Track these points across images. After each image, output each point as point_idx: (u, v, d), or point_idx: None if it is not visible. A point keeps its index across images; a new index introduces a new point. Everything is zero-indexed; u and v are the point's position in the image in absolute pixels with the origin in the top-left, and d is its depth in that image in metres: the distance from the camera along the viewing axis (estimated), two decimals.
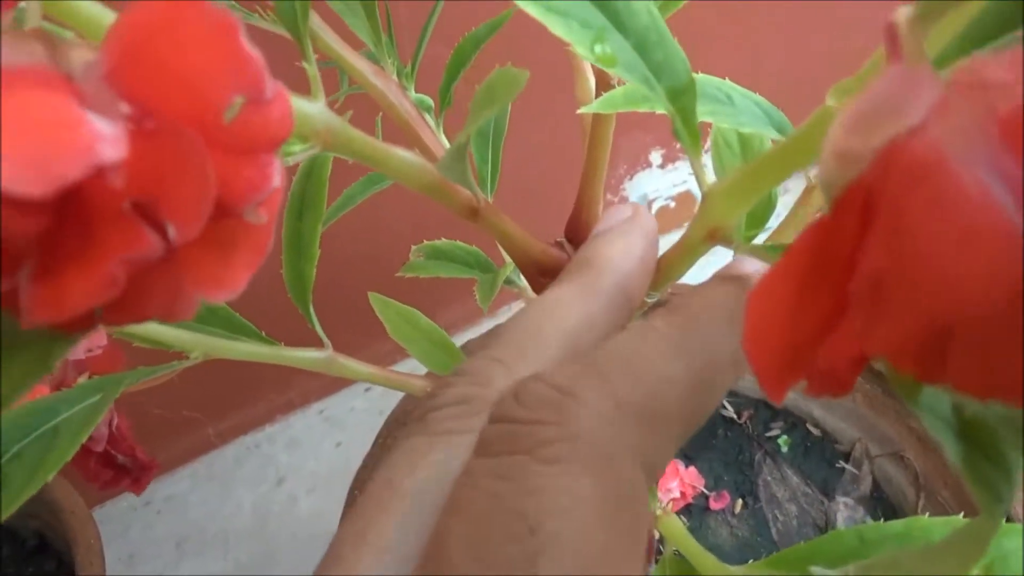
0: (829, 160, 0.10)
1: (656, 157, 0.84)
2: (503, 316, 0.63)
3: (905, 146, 0.09)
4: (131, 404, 0.39)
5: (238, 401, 0.78)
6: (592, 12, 0.17)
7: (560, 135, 0.68)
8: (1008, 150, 0.08)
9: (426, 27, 0.42)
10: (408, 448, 0.14)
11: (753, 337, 0.10)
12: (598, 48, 0.16)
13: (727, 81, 0.29)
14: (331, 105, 0.23)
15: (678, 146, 0.83)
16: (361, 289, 0.45)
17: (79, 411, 0.23)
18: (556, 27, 0.15)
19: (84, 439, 0.21)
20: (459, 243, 0.46)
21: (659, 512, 0.32)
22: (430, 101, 0.42)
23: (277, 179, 0.11)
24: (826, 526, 0.50)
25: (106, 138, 0.09)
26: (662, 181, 0.87)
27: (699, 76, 0.28)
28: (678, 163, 0.86)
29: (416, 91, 0.42)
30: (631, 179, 0.85)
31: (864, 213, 0.09)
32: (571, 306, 0.18)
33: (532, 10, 0.15)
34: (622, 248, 0.20)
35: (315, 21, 0.30)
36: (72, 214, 0.10)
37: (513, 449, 0.13)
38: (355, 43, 0.34)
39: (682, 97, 0.19)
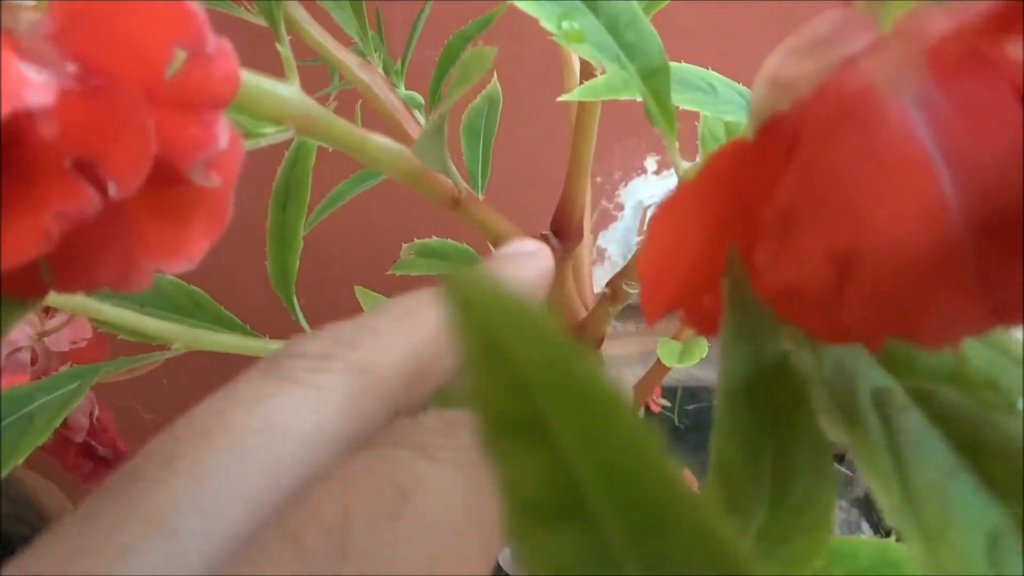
0: (762, 87, 0.10)
1: (651, 163, 0.84)
2: None
3: (836, 76, 0.09)
4: (123, 408, 0.39)
5: None
6: None
7: (549, 132, 0.68)
8: (935, 83, 0.08)
9: (415, 25, 0.43)
10: (249, 385, 0.13)
11: (650, 256, 0.10)
12: (565, 24, 0.16)
13: (710, 71, 0.29)
14: (321, 100, 0.23)
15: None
16: (349, 288, 0.45)
17: (55, 398, 0.23)
18: (523, 3, 0.15)
19: (57, 424, 0.21)
20: (449, 240, 0.46)
21: None
22: (420, 98, 0.42)
23: (224, 139, 0.11)
24: None
25: (35, 84, 0.09)
26: (657, 187, 0.86)
27: (682, 65, 0.28)
28: (673, 169, 0.85)
29: (407, 89, 0.42)
30: (626, 185, 0.85)
31: (788, 142, 0.09)
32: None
33: None
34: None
35: (302, 15, 0.30)
36: (11, 169, 0.10)
37: (398, 443, 0.12)
38: (345, 40, 0.34)
39: (655, 77, 0.19)
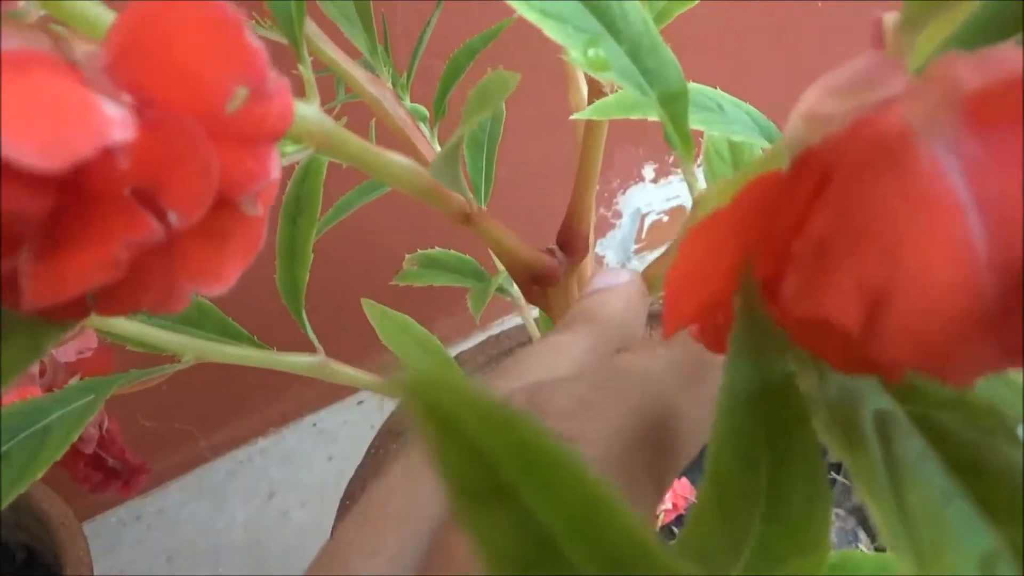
0: (798, 120, 0.10)
1: (649, 171, 0.85)
2: (496, 329, 0.64)
3: (872, 117, 0.09)
4: (122, 415, 0.38)
5: (230, 413, 0.77)
6: (587, 18, 0.17)
7: (553, 144, 0.69)
8: (969, 131, 0.09)
9: (421, 37, 0.43)
10: (408, 462, 0.15)
11: (678, 275, 0.11)
12: (591, 52, 0.16)
13: (718, 91, 0.29)
14: (327, 112, 0.24)
15: (671, 160, 0.84)
16: (356, 301, 0.45)
17: (70, 411, 0.23)
18: (552, 31, 0.16)
19: (74, 438, 0.21)
20: (453, 252, 0.46)
21: None
22: (425, 111, 0.42)
23: (276, 171, 0.11)
24: None
25: (116, 121, 0.09)
26: (655, 195, 0.87)
27: (691, 85, 0.28)
28: (671, 177, 0.86)
29: (412, 101, 0.42)
30: (624, 193, 0.85)
31: (820, 176, 0.09)
32: (575, 345, 0.19)
33: (529, 14, 0.15)
34: (621, 304, 0.21)
35: (312, 29, 0.31)
36: (76, 197, 0.10)
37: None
38: (353, 52, 0.34)
39: (674, 102, 0.19)
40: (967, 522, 0.11)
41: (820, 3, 0.76)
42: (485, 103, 0.18)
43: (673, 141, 0.20)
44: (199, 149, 0.10)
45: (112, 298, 0.12)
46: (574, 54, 0.16)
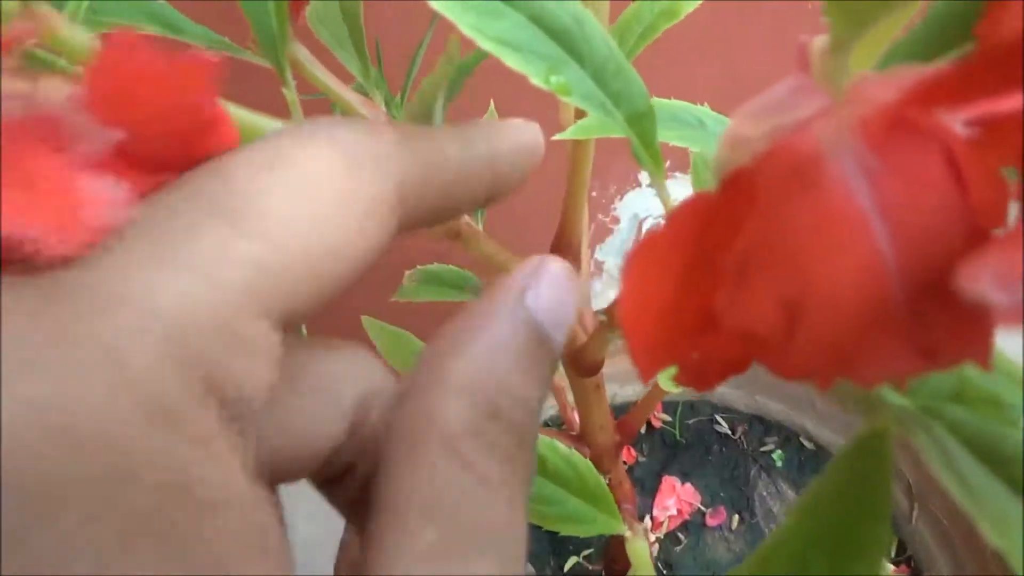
0: (723, 144, 0.11)
1: (645, 177, 0.85)
2: None
3: (788, 138, 0.10)
4: None
5: None
6: (548, 44, 0.18)
7: (545, 159, 0.70)
8: (873, 147, 0.09)
9: (415, 59, 0.44)
10: None
11: (627, 305, 0.11)
12: (553, 78, 0.17)
13: (702, 107, 0.30)
14: None
15: (667, 165, 0.84)
16: (354, 315, 0.46)
17: None
18: (511, 60, 0.17)
19: None
20: (452, 267, 0.47)
21: (627, 535, 0.33)
22: None
23: None
24: None
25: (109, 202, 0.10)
26: (652, 200, 0.88)
27: (672, 102, 0.29)
28: (668, 183, 0.87)
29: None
30: (621, 199, 0.86)
31: (746, 196, 0.10)
32: None
33: (486, 44, 0.16)
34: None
35: (305, 56, 0.32)
36: None
37: None
38: (346, 77, 0.35)
39: (641, 122, 0.20)
40: (1010, 499, 0.12)
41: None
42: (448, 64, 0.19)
43: (642, 159, 0.21)
44: None
45: None
46: (536, 80, 0.17)
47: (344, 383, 0.15)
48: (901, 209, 0.09)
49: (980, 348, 0.09)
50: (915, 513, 0.49)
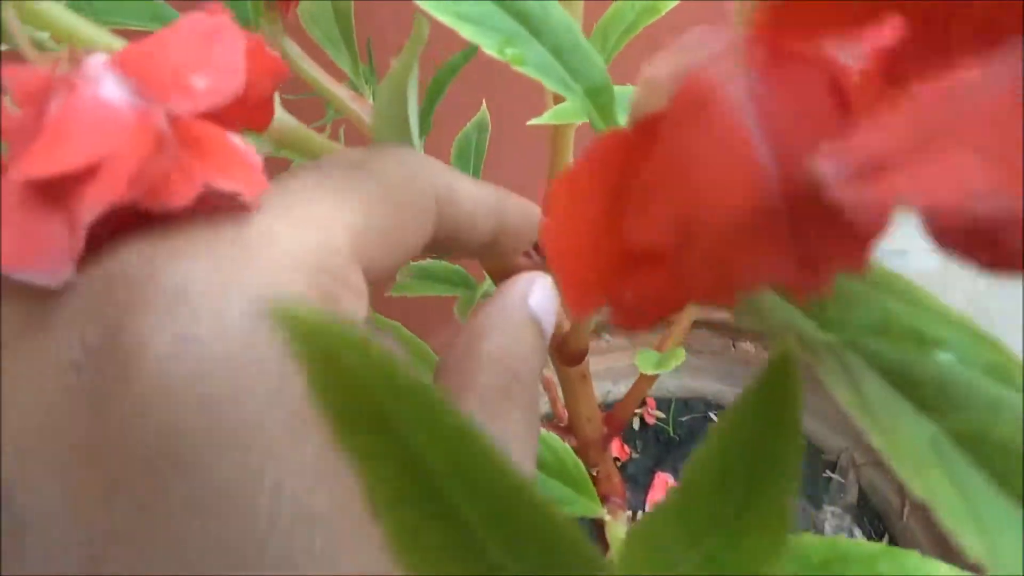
0: (637, 88, 0.12)
1: None
2: None
3: (692, 74, 0.11)
4: None
5: None
6: (506, 19, 0.19)
7: (535, 154, 0.71)
8: (762, 75, 0.10)
9: None
10: None
11: (554, 243, 0.12)
12: (509, 51, 0.18)
13: None
14: (319, 130, 0.26)
15: None
16: None
17: None
18: (468, 32, 0.17)
19: None
20: (444, 262, 0.48)
21: (607, 519, 0.33)
22: None
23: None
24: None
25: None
26: None
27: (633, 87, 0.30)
28: None
29: None
30: None
31: (655, 130, 0.11)
32: None
33: (444, 17, 0.17)
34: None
35: (295, 51, 0.33)
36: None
37: None
38: (338, 74, 0.37)
39: (599, 95, 0.21)
40: (909, 413, 0.13)
41: None
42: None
43: (601, 131, 0.21)
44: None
45: None
46: (490, 50, 0.18)
47: None
48: (782, 127, 0.10)
49: (856, 257, 0.10)
50: (906, 510, 0.49)
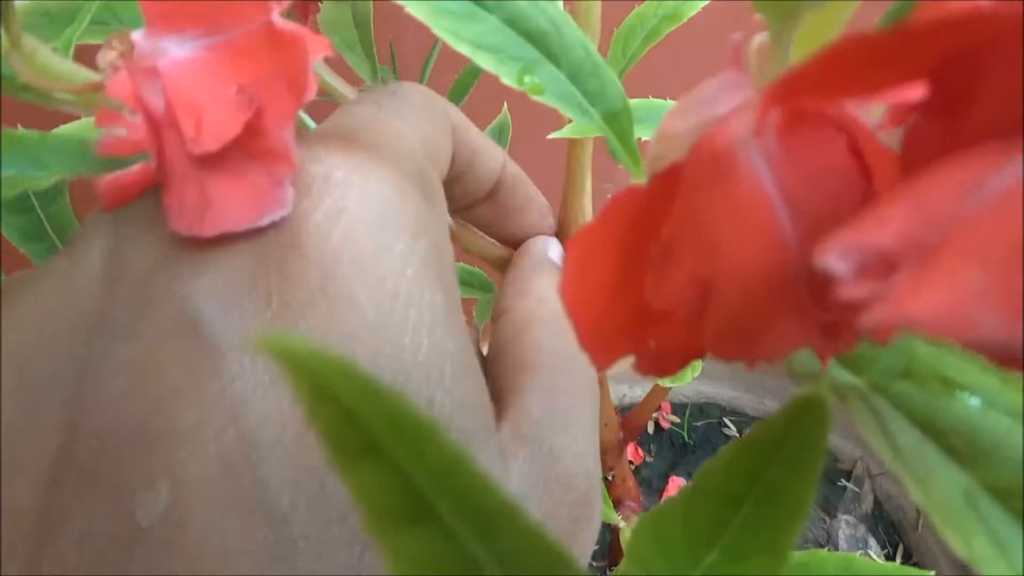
0: (655, 139, 0.12)
1: None
2: None
3: (709, 132, 0.11)
4: None
5: None
6: (523, 46, 0.19)
7: (555, 155, 0.71)
8: (779, 137, 0.10)
9: (427, 61, 0.45)
10: None
11: (569, 288, 0.12)
12: (527, 79, 0.18)
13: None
14: None
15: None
16: None
17: None
18: (485, 62, 0.17)
19: None
20: (462, 264, 0.48)
21: (622, 525, 0.33)
22: None
23: None
24: (827, 544, 0.50)
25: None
26: None
27: (651, 101, 0.30)
28: None
29: None
30: None
31: (673, 188, 0.11)
32: None
33: (460, 47, 0.17)
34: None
35: None
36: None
37: None
38: (355, 80, 0.37)
39: (617, 120, 0.21)
40: (941, 461, 0.13)
41: None
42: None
43: (620, 156, 0.21)
44: None
45: None
46: (508, 81, 0.17)
47: None
48: (801, 193, 0.10)
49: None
50: (921, 521, 0.49)
